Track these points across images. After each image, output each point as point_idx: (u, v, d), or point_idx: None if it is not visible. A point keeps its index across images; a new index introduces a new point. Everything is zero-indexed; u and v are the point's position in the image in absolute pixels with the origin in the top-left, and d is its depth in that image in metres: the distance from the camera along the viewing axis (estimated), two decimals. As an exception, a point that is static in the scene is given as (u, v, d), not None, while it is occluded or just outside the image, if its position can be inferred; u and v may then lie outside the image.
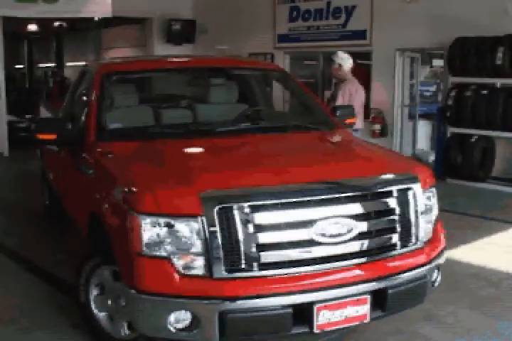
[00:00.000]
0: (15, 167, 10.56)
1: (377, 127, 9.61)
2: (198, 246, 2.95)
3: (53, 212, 6.26)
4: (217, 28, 12.54)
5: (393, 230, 3.27)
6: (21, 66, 22.81)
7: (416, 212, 3.33)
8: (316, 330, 3.05)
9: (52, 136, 4.10)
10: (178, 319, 2.97)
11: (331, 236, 3.07)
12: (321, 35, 10.82)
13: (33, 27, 17.94)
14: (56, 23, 17.36)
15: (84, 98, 4.95)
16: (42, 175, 6.72)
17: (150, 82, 5.41)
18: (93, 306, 3.53)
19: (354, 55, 11.08)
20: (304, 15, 11.04)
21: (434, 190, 3.60)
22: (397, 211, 3.27)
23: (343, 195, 3.14)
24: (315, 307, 3.01)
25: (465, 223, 6.34)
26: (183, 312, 2.96)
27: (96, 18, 12.41)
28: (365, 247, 3.17)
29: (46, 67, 22.53)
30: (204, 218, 2.92)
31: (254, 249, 2.94)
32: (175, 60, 5.91)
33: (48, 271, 4.94)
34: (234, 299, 2.92)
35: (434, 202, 3.59)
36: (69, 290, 3.72)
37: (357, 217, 3.13)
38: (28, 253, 5.37)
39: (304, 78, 10.77)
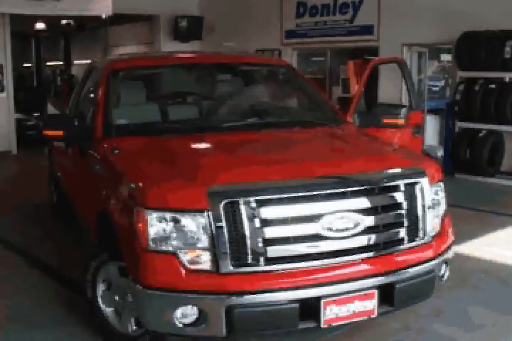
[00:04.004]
0: (23, 165, 10.61)
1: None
2: (204, 241, 2.94)
3: (61, 210, 6.28)
4: (225, 25, 12.53)
5: (400, 225, 3.25)
6: (29, 65, 22.89)
7: (423, 206, 3.32)
8: (323, 325, 3.04)
9: (60, 133, 4.10)
10: (185, 314, 2.97)
11: (338, 230, 3.05)
12: (328, 31, 10.79)
13: (40, 25, 17.98)
14: (64, 22, 17.39)
15: (92, 94, 4.95)
16: (50, 173, 6.74)
17: (157, 79, 5.40)
18: (100, 302, 3.54)
19: (361, 51, 11.13)
20: (311, 10, 11.02)
21: (441, 184, 3.58)
22: (405, 205, 3.25)
23: (349, 189, 3.12)
24: (322, 302, 3.00)
25: (474, 218, 6.31)
26: (190, 307, 2.95)
27: (103, 16, 12.42)
28: (372, 242, 3.15)
29: (54, 65, 22.60)
30: (210, 213, 2.92)
31: (260, 244, 2.93)
32: (182, 56, 5.91)
33: (56, 268, 4.96)
34: (240, 294, 2.91)
35: (441, 196, 3.56)
36: (77, 287, 3.74)
37: (364, 212, 3.12)
38: (36, 251, 5.39)
39: (312, 74, 10.75)
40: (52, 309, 4.11)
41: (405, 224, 3.26)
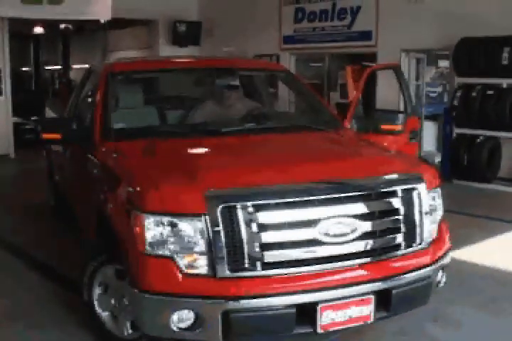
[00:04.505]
0: (21, 168, 10.60)
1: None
2: (201, 245, 2.94)
3: (60, 212, 6.28)
4: (223, 30, 12.54)
5: (397, 230, 3.25)
6: (28, 68, 22.88)
7: (420, 212, 3.31)
8: (319, 330, 3.04)
9: (58, 136, 4.11)
10: (181, 318, 2.96)
11: (335, 235, 3.05)
12: (326, 37, 10.81)
13: (39, 29, 18.00)
14: (62, 25, 17.41)
15: (90, 98, 4.96)
16: (48, 176, 6.75)
17: (155, 82, 5.42)
18: (96, 305, 3.53)
19: (359, 56, 11.15)
20: (309, 16, 11.04)
21: (439, 190, 3.58)
22: (402, 211, 3.25)
23: (347, 194, 3.13)
24: (319, 307, 3.00)
25: (472, 224, 6.31)
26: (186, 311, 2.95)
27: (102, 21, 12.44)
28: (369, 247, 3.15)
29: (53, 69, 22.61)
30: (208, 217, 2.92)
31: (257, 249, 2.93)
32: (180, 60, 5.92)
33: (56, 268, 4.97)
34: (237, 298, 2.91)
35: (439, 202, 3.57)
36: (77, 287, 3.76)
37: (361, 217, 3.12)
38: (35, 251, 5.40)
39: (310, 79, 10.76)
40: (52, 309, 4.12)
41: (402, 229, 3.26)
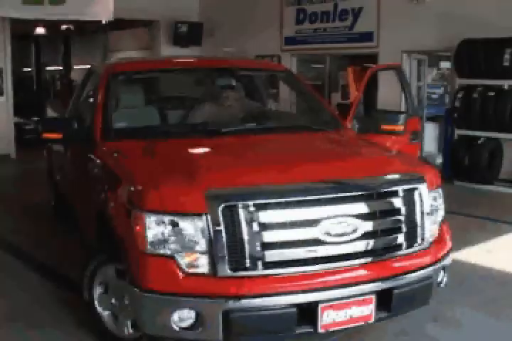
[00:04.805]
0: (22, 168, 10.61)
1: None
2: (202, 244, 2.94)
3: (60, 213, 6.28)
4: (224, 31, 12.55)
5: (399, 230, 3.25)
6: (29, 69, 22.90)
7: (422, 212, 3.31)
8: (320, 330, 3.04)
9: (59, 136, 4.11)
10: (182, 318, 2.96)
11: (336, 235, 3.05)
12: (327, 38, 10.81)
13: (40, 30, 17.99)
14: (64, 26, 17.40)
15: (91, 98, 4.96)
16: (48, 176, 6.75)
17: (156, 82, 5.41)
18: (97, 305, 3.53)
19: (361, 57, 11.17)
20: (310, 17, 11.04)
21: (440, 190, 3.58)
22: (403, 211, 3.25)
23: (348, 194, 3.12)
24: (320, 307, 2.99)
25: (472, 225, 6.31)
26: (187, 310, 2.95)
27: (104, 21, 12.44)
28: (370, 247, 3.15)
29: (54, 70, 22.62)
30: (209, 216, 2.92)
31: (258, 248, 2.93)
32: (181, 60, 5.92)
33: (56, 268, 4.96)
34: (238, 298, 2.90)
35: (440, 202, 3.56)
36: (77, 287, 3.75)
37: (362, 217, 3.11)
38: (34, 252, 5.40)
39: (311, 80, 10.77)
40: (52, 309, 4.11)
41: (403, 229, 3.25)
